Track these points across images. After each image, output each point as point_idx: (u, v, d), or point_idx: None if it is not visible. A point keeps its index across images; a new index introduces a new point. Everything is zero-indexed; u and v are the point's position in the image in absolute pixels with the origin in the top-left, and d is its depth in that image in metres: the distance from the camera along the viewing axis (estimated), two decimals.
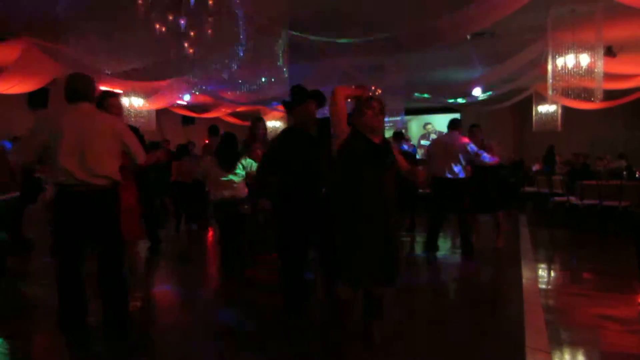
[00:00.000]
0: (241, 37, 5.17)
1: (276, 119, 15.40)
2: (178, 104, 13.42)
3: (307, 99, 3.68)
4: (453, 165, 6.12)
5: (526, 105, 12.75)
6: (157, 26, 5.34)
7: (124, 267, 3.51)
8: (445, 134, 6.50)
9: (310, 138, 3.67)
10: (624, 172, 9.92)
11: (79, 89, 3.26)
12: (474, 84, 11.09)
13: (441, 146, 6.35)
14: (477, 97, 11.40)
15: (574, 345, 3.37)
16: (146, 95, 10.57)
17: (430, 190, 6.61)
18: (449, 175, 6.13)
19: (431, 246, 6.37)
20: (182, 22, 5.12)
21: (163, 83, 10.07)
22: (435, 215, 6.45)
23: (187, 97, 12.53)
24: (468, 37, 8.01)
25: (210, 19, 4.90)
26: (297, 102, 3.70)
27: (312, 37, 6.46)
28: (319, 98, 3.76)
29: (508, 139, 17.38)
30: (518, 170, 13.58)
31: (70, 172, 3.12)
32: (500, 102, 12.71)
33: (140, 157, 3.48)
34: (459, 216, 6.32)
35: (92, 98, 3.34)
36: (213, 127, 7.52)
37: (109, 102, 3.90)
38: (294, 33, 6.19)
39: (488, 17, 5.63)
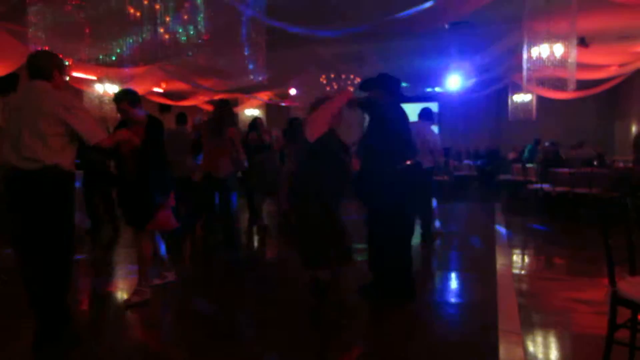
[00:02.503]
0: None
1: (254, 107, 15.29)
2: (154, 91, 13.18)
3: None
4: (427, 154, 6.11)
5: (502, 95, 12.94)
6: (132, 11, 5.24)
7: (61, 269, 3.08)
8: (415, 123, 6.47)
9: None
10: (595, 161, 10.17)
11: (34, 65, 3.08)
12: (452, 73, 11.21)
13: (417, 136, 6.30)
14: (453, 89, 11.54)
15: (545, 327, 3.47)
16: (121, 82, 10.35)
17: None
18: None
19: None
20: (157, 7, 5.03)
21: (138, 70, 9.87)
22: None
23: (163, 85, 12.33)
24: (446, 26, 8.07)
25: (186, 5, 4.83)
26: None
27: (290, 28, 6.41)
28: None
29: (484, 128, 17.64)
30: (494, 159, 13.80)
31: (3, 154, 2.97)
32: (477, 91, 12.88)
33: (92, 137, 3.06)
34: (423, 204, 6.35)
35: (50, 76, 3.09)
36: (180, 115, 7.33)
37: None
38: (272, 22, 6.13)
39: (467, 6, 5.68)
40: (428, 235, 6.32)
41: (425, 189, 6.26)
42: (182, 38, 5.26)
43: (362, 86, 4.17)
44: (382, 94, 3.95)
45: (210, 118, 6.08)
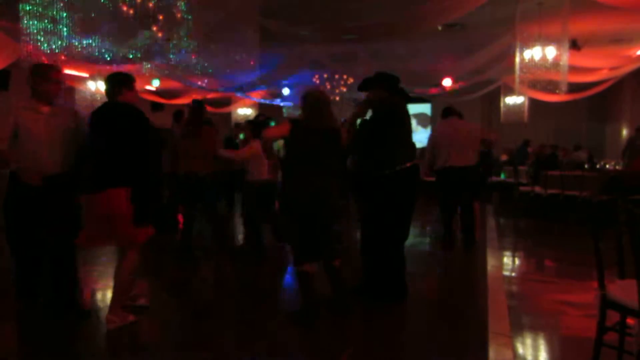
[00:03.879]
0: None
1: (246, 107, 15.23)
2: (147, 89, 13.10)
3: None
4: (472, 152, 5.91)
5: (495, 97, 12.98)
6: (125, 9, 5.19)
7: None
8: (451, 121, 6.12)
9: None
10: (585, 164, 10.25)
11: None
12: (444, 75, 11.23)
13: (458, 133, 5.89)
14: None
15: (534, 329, 3.49)
16: None
17: (440, 181, 6.04)
18: (467, 164, 5.84)
19: (451, 240, 6.09)
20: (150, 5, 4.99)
21: (131, 67, 9.80)
22: (449, 207, 6.09)
23: (156, 83, 12.24)
24: (439, 28, 8.08)
25: (178, 3, 4.79)
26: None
27: (281, 27, 6.39)
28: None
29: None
30: (486, 161, 13.84)
31: None
32: (469, 93, 12.91)
33: None
34: (465, 205, 6.02)
35: (30, 85, 3.45)
36: (178, 112, 7.36)
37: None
38: (265, 20, 6.12)
39: (459, 8, 5.69)
40: (471, 240, 5.99)
41: (469, 189, 5.93)
42: (173, 42, 5.23)
43: (361, 87, 4.08)
44: (382, 92, 3.89)
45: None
